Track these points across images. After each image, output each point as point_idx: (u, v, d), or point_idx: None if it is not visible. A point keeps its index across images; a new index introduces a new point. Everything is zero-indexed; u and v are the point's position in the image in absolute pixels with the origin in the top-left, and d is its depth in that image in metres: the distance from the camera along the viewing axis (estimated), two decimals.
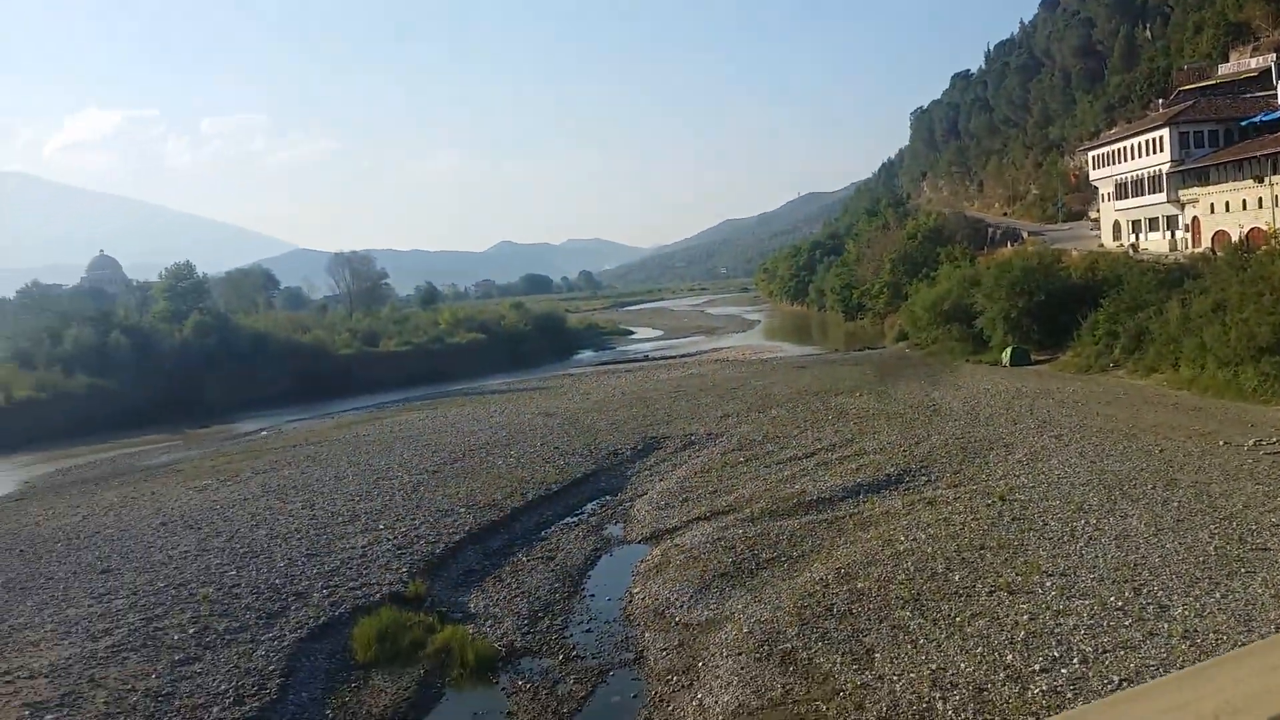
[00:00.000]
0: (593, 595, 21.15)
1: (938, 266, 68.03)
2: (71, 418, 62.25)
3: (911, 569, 18.83)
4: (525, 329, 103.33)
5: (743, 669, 15.43)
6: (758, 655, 15.85)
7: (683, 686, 15.58)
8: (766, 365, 63.37)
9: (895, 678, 14.31)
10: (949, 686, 13.81)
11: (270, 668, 16.86)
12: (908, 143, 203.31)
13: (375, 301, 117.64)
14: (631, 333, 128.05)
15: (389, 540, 24.80)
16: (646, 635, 18.16)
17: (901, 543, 20.59)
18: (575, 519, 27.73)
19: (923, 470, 27.60)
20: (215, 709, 15.25)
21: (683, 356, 79.81)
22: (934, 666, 14.49)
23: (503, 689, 16.57)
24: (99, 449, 53.10)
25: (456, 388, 69.05)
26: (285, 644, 17.94)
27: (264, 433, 54.36)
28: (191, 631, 18.49)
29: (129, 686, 16.10)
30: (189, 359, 73.66)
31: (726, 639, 16.83)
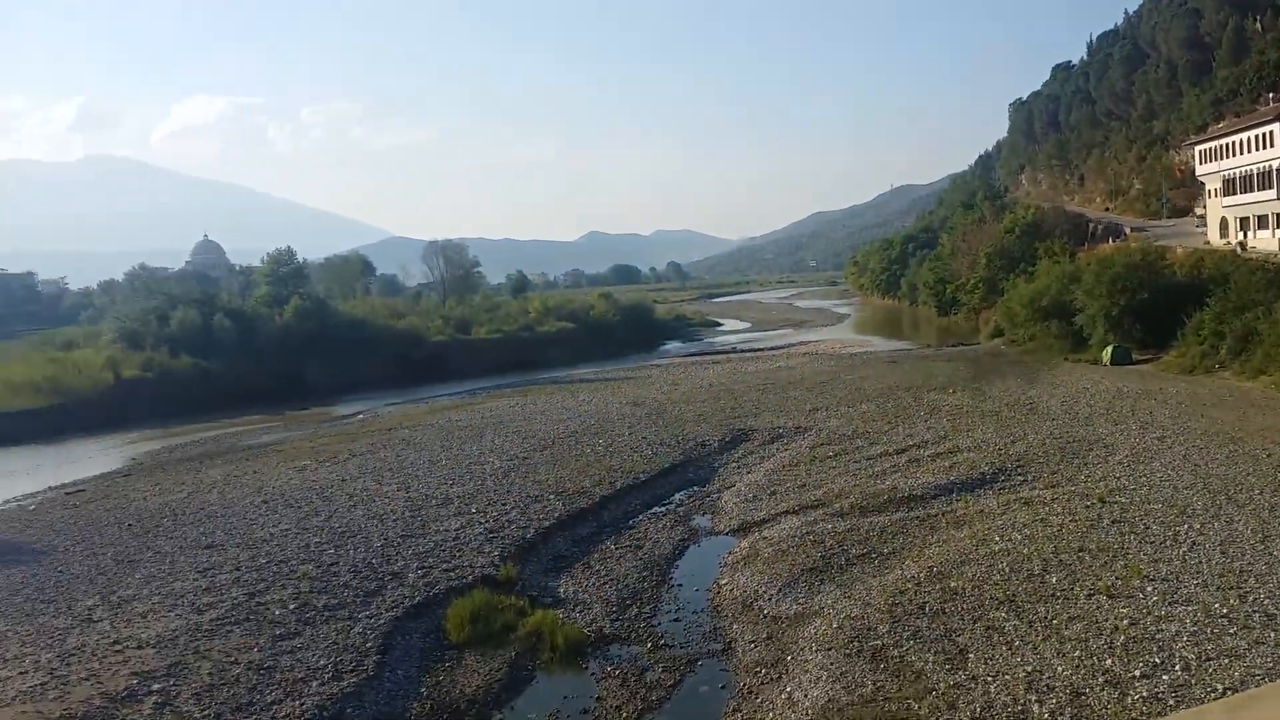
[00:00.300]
0: (680, 585, 21.24)
1: (1036, 262, 66.51)
2: (176, 397, 64.53)
3: (1007, 569, 18.53)
4: (613, 319, 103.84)
5: (833, 664, 15.38)
6: (848, 651, 15.77)
7: (771, 679, 15.59)
8: (856, 360, 62.71)
9: (989, 679, 14.12)
10: (1045, 690, 13.58)
11: (367, 645, 17.32)
12: (1006, 135, 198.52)
13: (467, 289, 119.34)
14: (719, 324, 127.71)
15: (481, 524, 25.22)
16: (734, 627, 18.19)
17: (996, 542, 20.26)
18: (663, 509, 27.86)
19: (1019, 470, 27.08)
20: (315, 683, 15.73)
21: (770, 349, 79.38)
22: (1029, 669, 14.26)
23: (592, 674, 16.76)
24: (202, 428, 54.93)
25: (545, 376, 69.74)
26: (382, 622, 18.40)
27: (360, 416, 55.63)
28: (292, 607, 19.08)
29: (232, 659, 16.68)
30: (289, 343, 75.78)
31: (816, 634, 16.78)
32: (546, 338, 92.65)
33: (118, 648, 17.41)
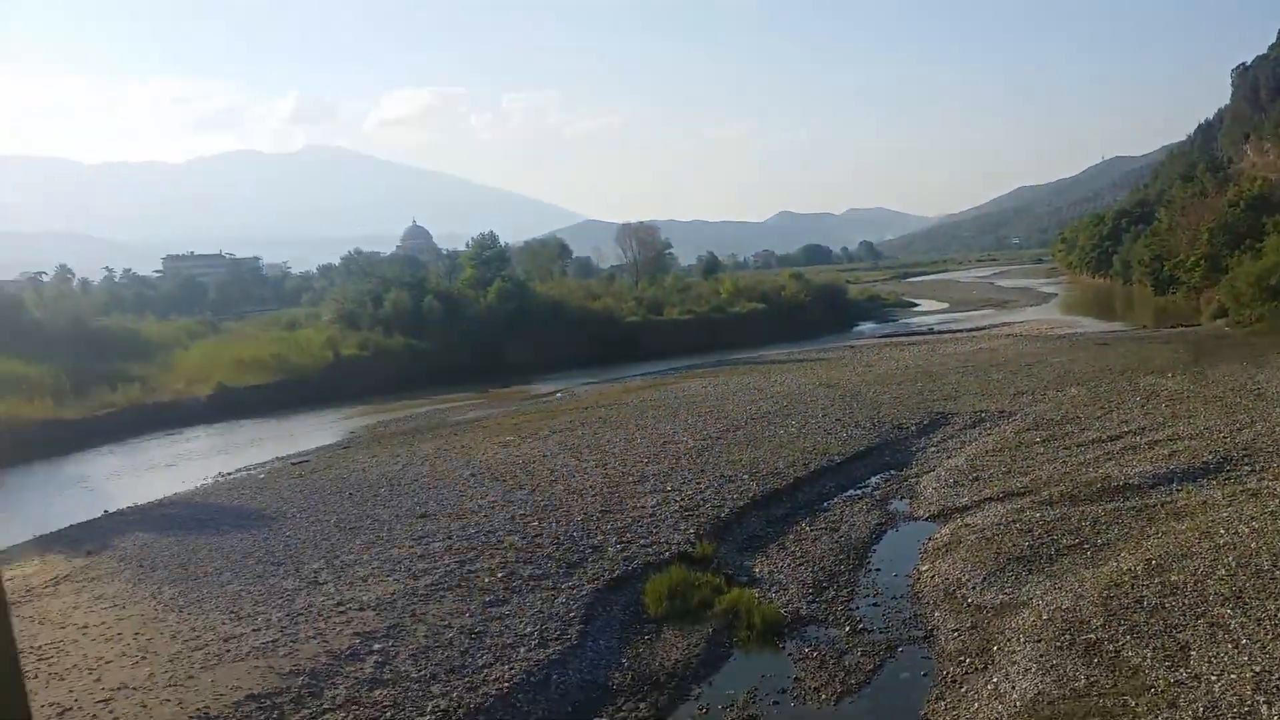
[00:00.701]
0: (878, 569, 20.94)
1: (1264, 237, 61.74)
2: (389, 375, 68.30)
3: (1233, 564, 17.38)
4: (805, 299, 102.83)
5: (1042, 656, 14.86)
6: (1058, 644, 15.20)
7: (976, 669, 15.20)
8: (1064, 341, 59.89)
9: (1214, 678, 13.33)
10: (1275, 690, 12.71)
11: (571, 614, 17.90)
12: (1228, 102, 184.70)
13: (659, 270, 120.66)
14: (915, 305, 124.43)
15: (676, 501, 25.57)
16: (936, 614, 17.82)
17: (1221, 535, 19.02)
18: (859, 491, 27.49)
19: (1246, 459, 25.29)
20: (522, 649, 16.39)
21: (970, 330, 76.81)
22: (1258, 669, 13.37)
23: (789, 655, 16.78)
24: (414, 404, 57.78)
25: (737, 356, 69.82)
26: (583, 593, 18.97)
27: (559, 394, 57.25)
28: (500, 576, 19.92)
29: (446, 623, 17.57)
30: (492, 323, 78.84)
31: (1023, 624, 16.25)
32: (737, 318, 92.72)
33: (341, 609, 18.62)
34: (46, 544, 27.96)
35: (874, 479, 28.80)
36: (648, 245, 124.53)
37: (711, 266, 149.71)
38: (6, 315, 73.07)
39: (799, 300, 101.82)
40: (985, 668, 15.13)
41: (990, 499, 24.33)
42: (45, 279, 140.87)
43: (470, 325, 78.07)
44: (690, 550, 21.60)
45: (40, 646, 18.30)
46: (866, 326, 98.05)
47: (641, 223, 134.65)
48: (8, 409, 51.25)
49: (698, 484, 27.44)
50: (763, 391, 46.04)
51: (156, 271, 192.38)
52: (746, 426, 36.38)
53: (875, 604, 18.82)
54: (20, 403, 52.89)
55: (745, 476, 28.20)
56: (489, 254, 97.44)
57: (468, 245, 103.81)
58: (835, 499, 26.81)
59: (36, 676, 16.75)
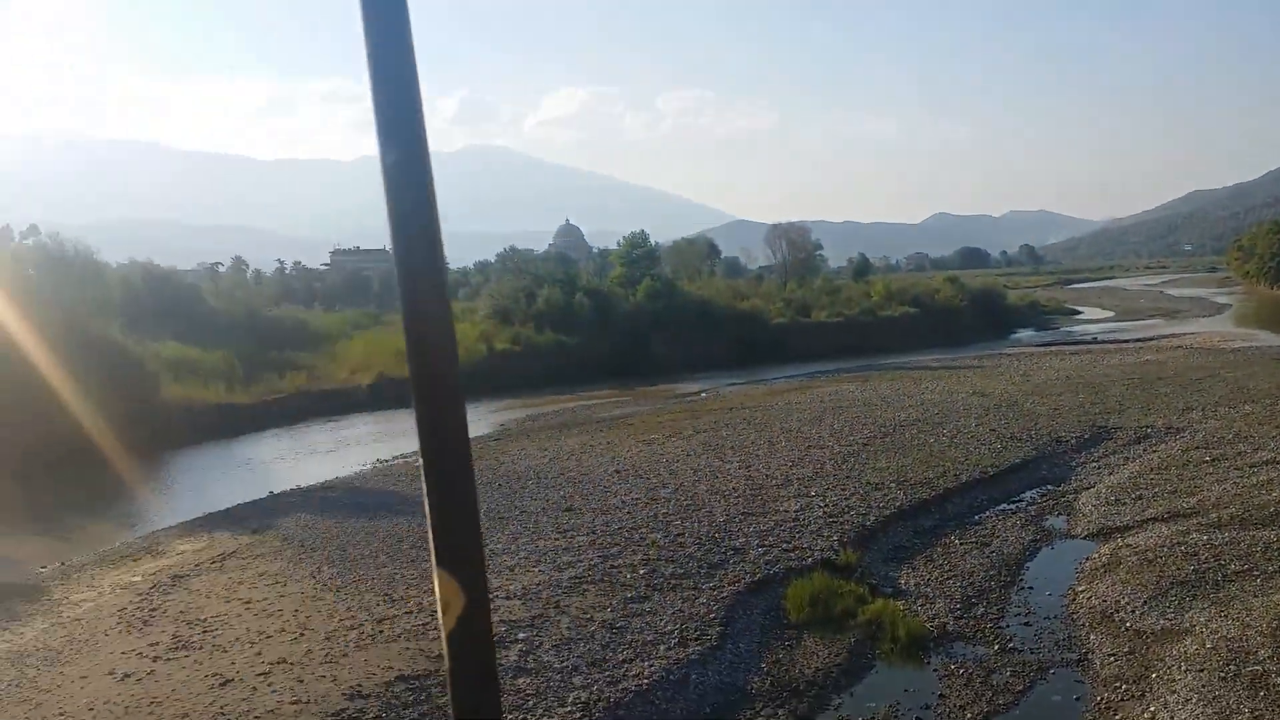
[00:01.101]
0: (1030, 588, 20.22)
1: None
2: (539, 370, 69.61)
3: None
4: (960, 304, 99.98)
5: (1204, 686, 14.10)
6: (1222, 675, 14.39)
7: (1132, 696, 14.53)
8: (1239, 355, 56.56)
9: None
10: None
11: (711, 615, 17.92)
12: None
13: (808, 272, 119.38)
14: (1078, 312, 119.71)
15: (820, 507, 25.28)
16: (1091, 637, 17.10)
17: None
18: (1012, 506, 26.60)
19: None
20: (662, 647, 16.49)
21: (1137, 341, 73.32)
22: None
23: (934, 670, 16.38)
24: (561, 399, 58.78)
25: (887, 361, 68.48)
26: (724, 595, 18.96)
27: (703, 394, 57.33)
28: (642, 573, 20.09)
29: (588, 616, 17.83)
30: (640, 321, 79.48)
31: (1185, 652, 15.44)
32: (888, 322, 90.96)
33: (490, 595, 19.09)
34: (215, 521, 29.61)
35: (1029, 494, 27.84)
36: (797, 246, 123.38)
37: (862, 268, 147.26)
38: (186, 304, 77.77)
39: (953, 305, 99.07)
40: (1142, 695, 14.45)
41: (1154, 519, 23.22)
42: (222, 270, 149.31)
43: (618, 323, 78.91)
44: (833, 557, 21.32)
45: (206, 619, 19.40)
46: (1025, 334, 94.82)
47: (792, 223, 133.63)
48: (185, 392, 54.45)
49: (843, 490, 27.07)
50: (912, 398, 45.05)
51: (324, 264, 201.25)
52: (894, 433, 35.68)
53: (1026, 623, 18.19)
54: (197, 387, 56.12)
55: (892, 485, 27.66)
56: (638, 253, 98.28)
57: (618, 244, 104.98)
58: (987, 513, 26.03)
59: (202, 648, 17.77)
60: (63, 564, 26.56)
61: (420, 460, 1.83)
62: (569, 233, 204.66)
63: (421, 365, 1.81)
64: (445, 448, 1.83)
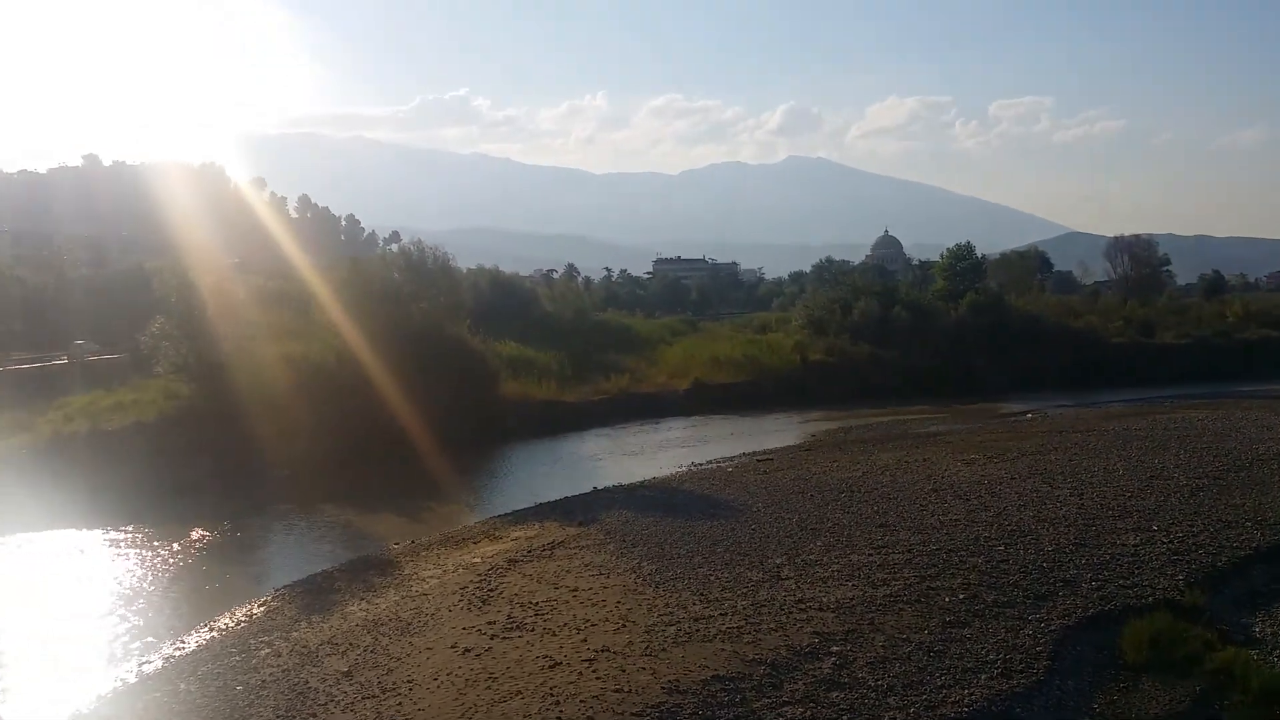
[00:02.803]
0: None
1: None
2: (853, 382, 68.76)
3: None
4: None
5: None
6: None
7: None
8: None
9: None
10: None
11: (1037, 648, 16.98)
12: None
13: (1152, 289, 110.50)
14: None
15: (1163, 543, 23.29)
16: None
17: None
18: None
19: None
20: (983, 675, 15.82)
21: None
22: None
23: None
24: (875, 413, 57.78)
25: (1244, 389, 62.05)
26: (1052, 628, 17.91)
27: (1029, 415, 54.46)
28: (961, 597, 19.36)
29: (904, 636, 17.40)
30: (962, 337, 76.67)
31: None
32: (1245, 346, 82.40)
33: (802, 606, 19.10)
34: (545, 512, 31.53)
35: None
36: (1141, 261, 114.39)
37: (1215, 286, 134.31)
38: (525, 307, 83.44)
39: None
40: None
41: None
42: (555, 276, 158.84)
43: (938, 337, 76.45)
44: (1178, 598, 19.58)
45: (538, 603, 20.70)
46: None
47: (1136, 236, 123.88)
48: (521, 389, 58.39)
49: (1190, 526, 24.80)
50: (1274, 430, 40.53)
51: (647, 273, 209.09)
52: (1251, 468, 32.28)
53: None
54: (530, 384, 60.01)
55: (1249, 524, 25.03)
56: (963, 265, 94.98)
57: (941, 256, 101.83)
58: None
59: (533, 630, 18.97)
60: (412, 542, 29.24)
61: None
62: (888, 244, 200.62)
63: None
64: None
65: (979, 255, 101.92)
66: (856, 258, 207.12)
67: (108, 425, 40.59)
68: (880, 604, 19.15)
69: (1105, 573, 21.07)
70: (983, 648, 16.94)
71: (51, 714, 17.62)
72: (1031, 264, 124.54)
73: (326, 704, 16.36)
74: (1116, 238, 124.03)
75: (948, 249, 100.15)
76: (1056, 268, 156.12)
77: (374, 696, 16.43)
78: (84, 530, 32.07)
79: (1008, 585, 20.19)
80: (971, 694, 15.15)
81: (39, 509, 32.85)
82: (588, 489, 35.56)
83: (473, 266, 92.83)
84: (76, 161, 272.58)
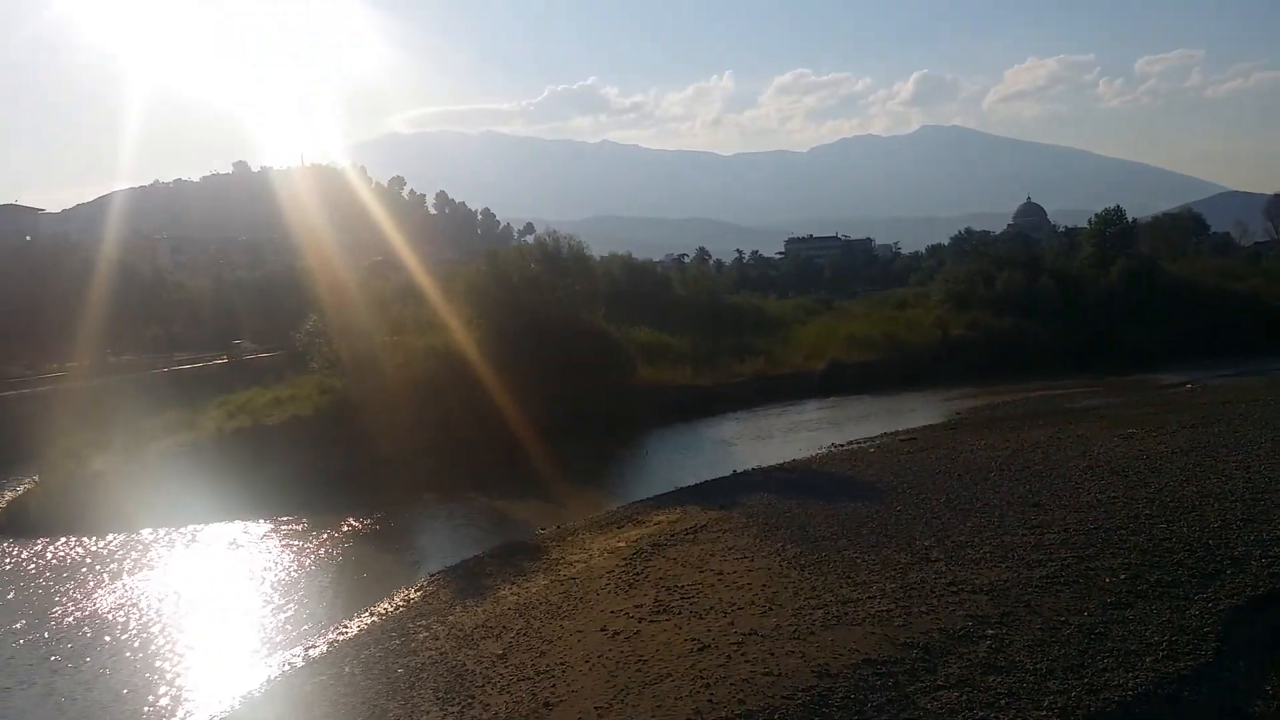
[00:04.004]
0: None
1: None
2: (997, 357, 66.90)
3: None
4: None
5: None
6: None
7: None
8: None
9: None
10: None
11: (1205, 629, 16.21)
12: None
13: None
14: None
15: None
16: None
17: None
18: None
19: None
20: (1148, 658, 15.20)
21: None
22: None
23: None
24: (1021, 388, 56.07)
25: None
26: (1220, 608, 17.06)
27: (1189, 386, 51.98)
28: (1123, 577, 18.62)
29: (1062, 619, 16.85)
30: (1112, 306, 73.70)
31: None
32: None
33: (953, 589, 18.70)
34: (686, 496, 31.70)
35: None
36: None
37: None
38: (657, 292, 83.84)
39: None
40: None
41: None
42: (686, 260, 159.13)
43: (1087, 307, 73.63)
44: None
45: (684, 587, 20.85)
46: None
47: None
48: (656, 374, 58.77)
49: None
50: None
51: (778, 253, 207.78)
52: None
53: None
54: (665, 369, 60.34)
55: None
56: (1112, 231, 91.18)
57: (1089, 222, 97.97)
58: None
59: (680, 613, 19.12)
60: (558, 527, 29.84)
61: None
62: (1030, 212, 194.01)
63: None
64: None
65: (1129, 219, 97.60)
66: (997, 228, 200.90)
67: (268, 420, 42.62)
68: (1036, 585, 18.58)
69: (1276, 549, 19.97)
70: (1147, 629, 16.28)
71: (224, 696, 18.66)
72: (1186, 226, 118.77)
73: (484, 685, 16.87)
74: (1277, 195, 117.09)
75: (1095, 214, 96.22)
76: (1213, 229, 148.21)
77: (529, 678, 16.85)
78: (248, 522, 33.81)
79: (1171, 564, 19.32)
80: (1136, 677, 14.59)
81: (206, 502, 34.76)
82: (726, 472, 35.58)
83: (605, 254, 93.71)
84: (227, 169, 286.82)
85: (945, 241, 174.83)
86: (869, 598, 18.68)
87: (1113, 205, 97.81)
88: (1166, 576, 18.65)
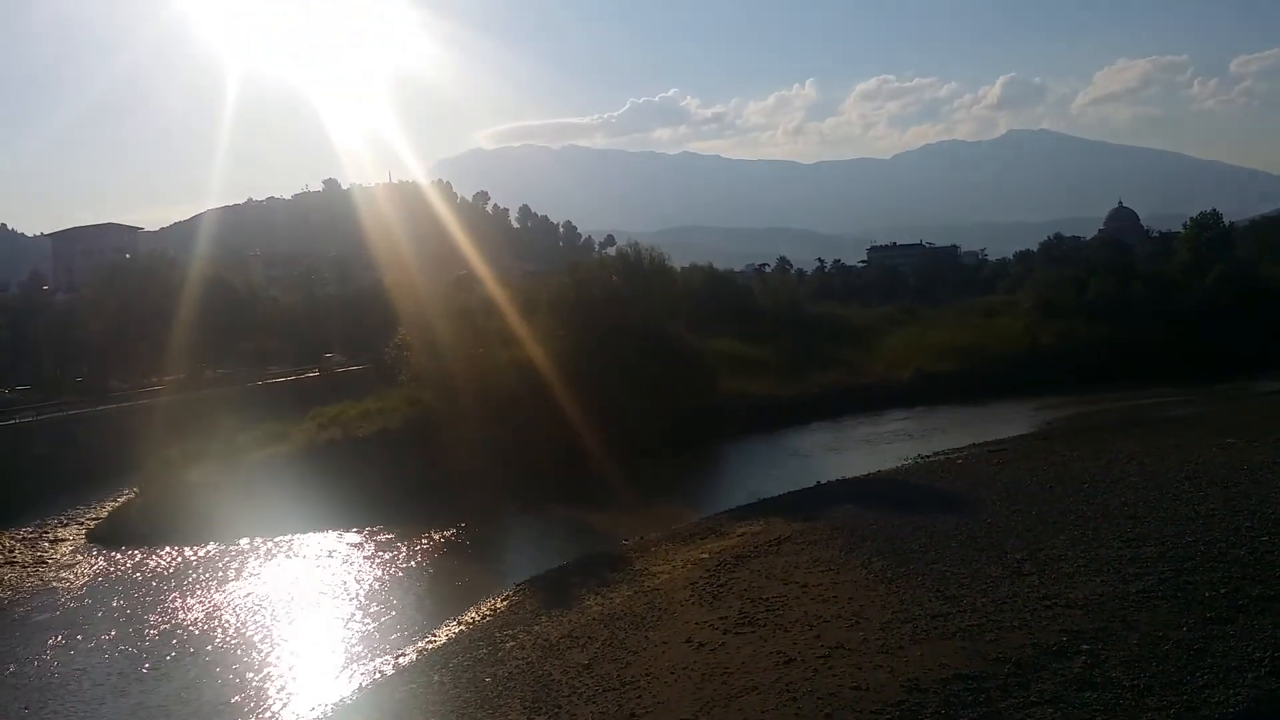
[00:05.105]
0: None
1: None
2: (1089, 365, 65.24)
3: None
4: None
5: None
6: None
7: None
8: None
9: None
10: None
11: None
12: None
13: None
14: None
15: None
16: None
17: None
18: None
19: None
20: (1249, 674, 14.69)
21: None
22: None
23: None
24: (1114, 397, 54.64)
25: None
26: None
27: None
28: (1223, 591, 18.03)
29: (1160, 634, 16.38)
30: (1209, 312, 71.32)
31: None
32: None
33: (1047, 603, 18.29)
34: (769, 507, 31.58)
35: None
36: None
37: None
38: (739, 303, 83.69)
39: None
40: None
41: None
42: (768, 270, 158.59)
43: (1182, 314, 71.38)
44: None
45: (768, 598, 20.77)
46: None
47: None
48: (738, 385, 58.60)
49: None
50: None
51: (861, 262, 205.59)
52: None
53: None
54: (747, 380, 60.13)
55: None
56: (1208, 235, 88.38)
57: (1184, 227, 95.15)
58: None
59: (765, 625, 19.05)
60: (641, 538, 29.93)
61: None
62: (1122, 217, 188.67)
63: None
64: None
65: (1226, 223, 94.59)
66: (1088, 233, 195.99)
67: (358, 432, 43.56)
68: (1133, 600, 18.10)
69: None
70: (1248, 645, 15.74)
71: (319, 703, 19.11)
72: None
73: (570, 696, 17.01)
74: None
75: (1190, 219, 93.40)
76: None
77: (614, 689, 16.95)
78: (339, 531, 34.60)
79: (1274, 578, 18.63)
80: (1237, 694, 14.12)
81: (299, 512, 35.65)
82: (810, 483, 35.34)
83: (685, 265, 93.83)
84: (318, 186, 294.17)
85: (1034, 248, 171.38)
86: (959, 611, 18.36)
87: (1209, 209, 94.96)
88: (1269, 591, 18.01)
